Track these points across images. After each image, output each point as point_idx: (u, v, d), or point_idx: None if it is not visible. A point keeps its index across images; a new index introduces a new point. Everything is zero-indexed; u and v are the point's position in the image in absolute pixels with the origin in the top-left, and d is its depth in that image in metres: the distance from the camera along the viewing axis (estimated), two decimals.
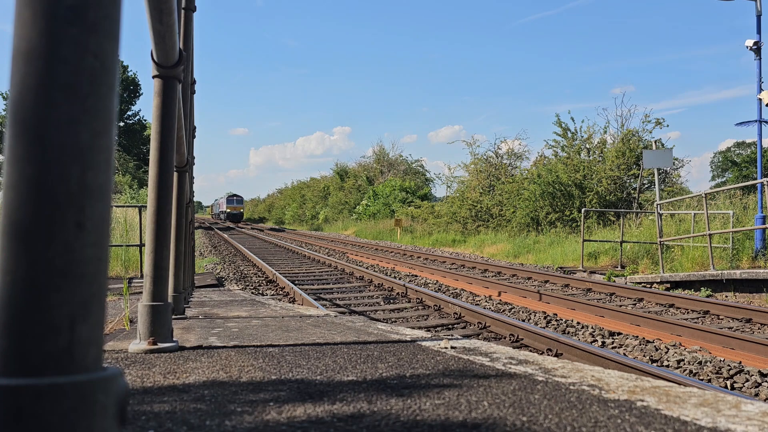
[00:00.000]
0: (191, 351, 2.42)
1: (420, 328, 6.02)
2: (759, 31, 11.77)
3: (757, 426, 1.27)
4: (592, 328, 6.02)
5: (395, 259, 15.29)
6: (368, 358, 2.22)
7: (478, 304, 7.72)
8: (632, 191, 19.56)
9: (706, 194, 10.29)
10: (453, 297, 8.41)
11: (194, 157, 6.37)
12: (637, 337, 5.55)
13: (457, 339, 2.69)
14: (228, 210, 57.47)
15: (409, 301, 8.04)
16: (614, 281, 10.27)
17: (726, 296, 8.85)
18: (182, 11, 3.89)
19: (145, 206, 2.81)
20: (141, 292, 2.63)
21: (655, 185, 15.29)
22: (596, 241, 14.70)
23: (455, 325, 6.35)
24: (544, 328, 6.08)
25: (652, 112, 31.68)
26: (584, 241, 13.35)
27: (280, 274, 11.09)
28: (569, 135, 21.95)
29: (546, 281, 10.39)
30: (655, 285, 9.98)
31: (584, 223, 14.03)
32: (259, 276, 11.63)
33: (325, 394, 1.63)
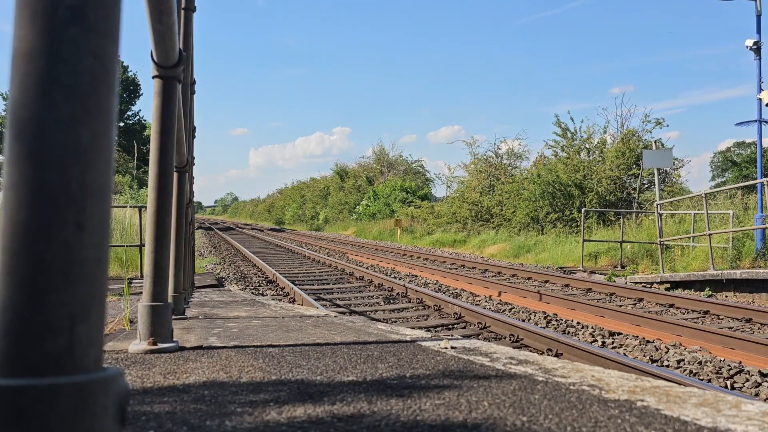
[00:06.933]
0: (191, 351, 2.42)
1: (420, 328, 6.02)
2: (759, 31, 11.77)
3: (757, 426, 1.27)
4: (592, 328, 6.02)
5: (395, 259, 15.29)
6: (368, 358, 2.22)
7: (478, 304, 7.71)
8: (632, 191, 19.55)
9: (706, 194, 10.30)
10: (453, 297, 8.40)
11: (194, 157, 6.37)
12: (637, 337, 5.55)
13: (457, 339, 2.69)
14: None
15: (409, 301, 8.04)
16: (614, 281, 10.27)
17: (726, 296, 8.85)
18: (182, 11, 3.89)
19: (145, 206, 2.80)
20: (141, 293, 2.63)
21: (655, 185, 15.29)
22: (596, 241, 14.69)
23: (455, 325, 6.35)
24: (544, 328, 6.08)
25: (652, 112, 31.56)
26: (584, 241, 13.35)
27: (280, 274, 11.08)
28: (569, 135, 21.93)
29: (546, 281, 10.39)
30: (655, 285, 9.98)
31: (584, 223, 14.03)
32: (259, 276, 11.63)
33: (325, 395, 1.63)
